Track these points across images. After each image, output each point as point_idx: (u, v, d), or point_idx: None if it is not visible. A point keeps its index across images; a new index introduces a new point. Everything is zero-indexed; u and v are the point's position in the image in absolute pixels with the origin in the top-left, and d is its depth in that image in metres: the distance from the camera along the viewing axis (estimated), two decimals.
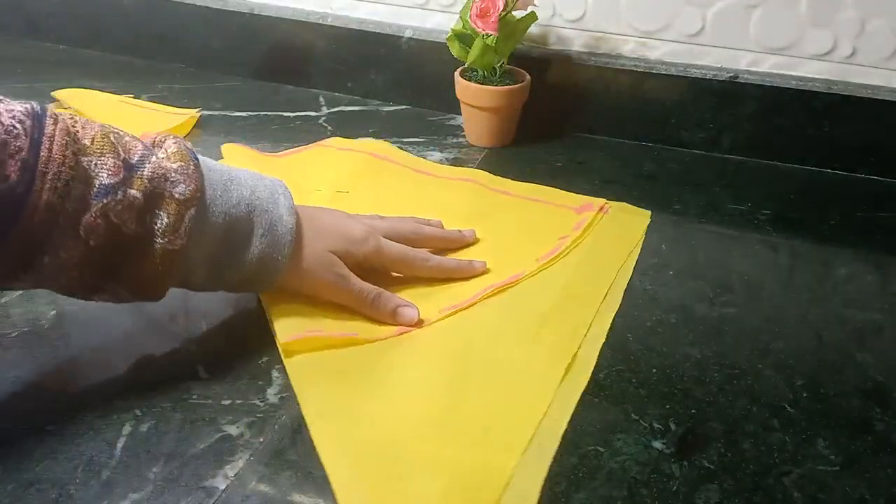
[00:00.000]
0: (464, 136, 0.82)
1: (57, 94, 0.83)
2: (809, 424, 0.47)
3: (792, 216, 0.70)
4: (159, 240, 0.43)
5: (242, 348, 0.51)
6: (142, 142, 0.45)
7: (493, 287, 0.57)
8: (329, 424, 0.44)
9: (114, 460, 0.42)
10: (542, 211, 0.68)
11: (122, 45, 1.01)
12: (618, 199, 0.71)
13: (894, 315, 0.57)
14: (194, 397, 0.46)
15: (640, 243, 0.64)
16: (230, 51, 0.96)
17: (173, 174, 0.44)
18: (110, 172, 0.41)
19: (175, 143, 0.46)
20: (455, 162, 0.77)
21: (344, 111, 0.88)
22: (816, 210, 0.71)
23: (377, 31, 0.88)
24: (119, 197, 0.41)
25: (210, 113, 0.85)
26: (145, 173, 0.43)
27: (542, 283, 0.58)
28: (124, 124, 0.76)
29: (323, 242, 0.51)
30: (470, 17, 0.74)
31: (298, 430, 0.44)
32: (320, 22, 0.90)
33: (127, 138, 0.45)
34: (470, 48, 0.76)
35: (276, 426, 0.45)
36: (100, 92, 0.86)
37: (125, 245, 0.42)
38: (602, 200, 0.69)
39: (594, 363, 0.50)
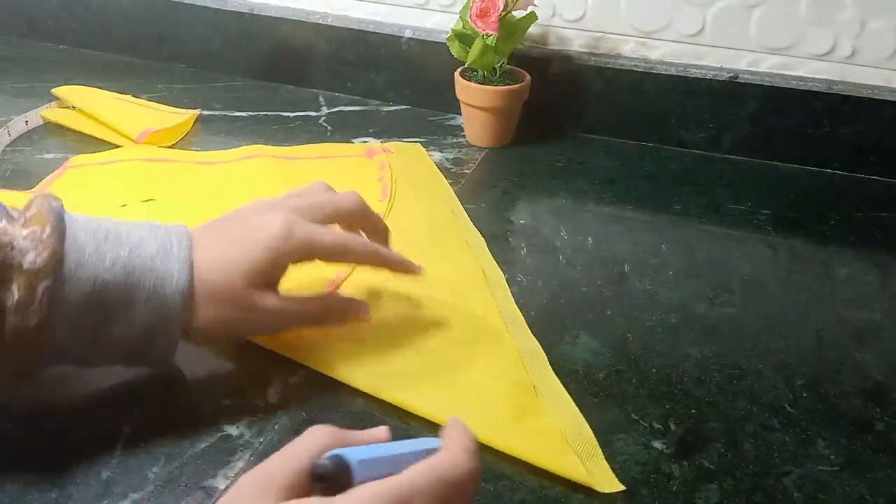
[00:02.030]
0: (464, 136, 0.82)
1: (57, 91, 0.83)
2: (809, 424, 0.47)
3: (792, 216, 0.70)
4: (11, 317, 0.38)
5: (243, 348, 0.50)
6: (2, 204, 0.40)
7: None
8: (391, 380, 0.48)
9: (114, 460, 0.42)
10: (342, 164, 0.74)
11: (122, 45, 1.01)
12: (618, 200, 0.71)
13: (894, 315, 0.57)
14: (194, 397, 0.46)
15: (434, 165, 0.75)
16: (230, 51, 0.96)
17: (21, 241, 0.38)
18: None
19: (38, 204, 0.40)
20: (455, 162, 0.77)
21: (344, 111, 0.88)
22: (816, 210, 0.71)
23: (377, 31, 0.88)
24: None
25: (210, 113, 0.85)
26: None
27: (401, 218, 0.65)
28: (124, 121, 0.77)
29: (233, 273, 0.43)
30: (470, 17, 0.74)
31: (298, 430, 0.44)
32: (320, 22, 0.90)
33: None
34: (470, 48, 0.76)
35: (276, 426, 0.45)
36: (99, 89, 0.86)
37: None
38: (379, 143, 0.78)
39: (496, 267, 0.59)
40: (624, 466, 0.43)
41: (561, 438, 0.44)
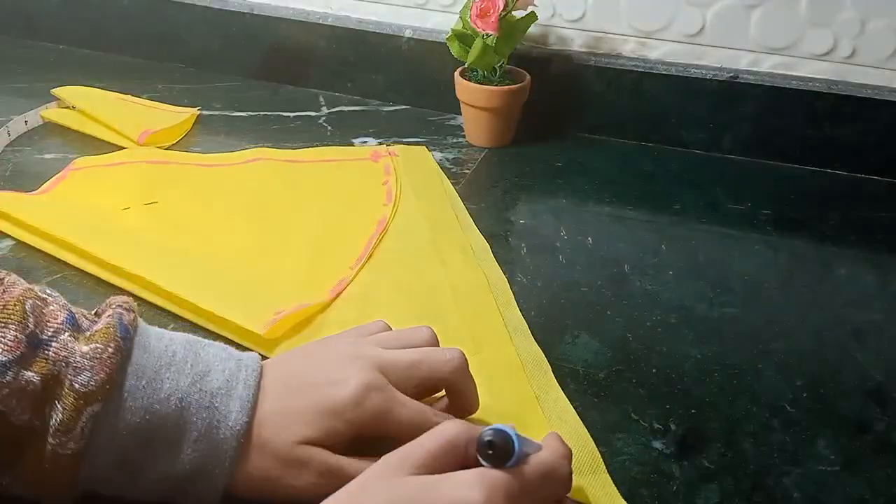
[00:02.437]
0: (464, 136, 0.82)
1: (57, 91, 0.83)
2: (809, 424, 0.47)
3: (792, 216, 0.70)
4: (51, 440, 0.34)
5: (243, 349, 0.50)
6: (72, 312, 0.37)
7: (374, 236, 0.62)
8: None
9: None
10: (346, 168, 0.74)
11: (122, 45, 1.01)
12: (618, 200, 0.71)
13: (894, 315, 0.57)
14: None
15: (439, 168, 0.75)
16: (230, 51, 0.96)
17: (79, 358, 0.35)
18: (7, 347, 0.34)
19: (109, 315, 0.37)
20: (455, 162, 0.77)
21: (344, 111, 0.88)
22: (816, 210, 0.71)
23: (377, 31, 0.88)
24: (8, 379, 0.33)
25: (210, 113, 0.85)
26: (50, 353, 0.35)
27: (405, 222, 0.65)
28: (124, 121, 0.77)
29: (291, 430, 0.38)
30: (470, 17, 0.74)
31: None
32: (320, 22, 0.90)
33: (53, 307, 0.37)
34: (470, 48, 0.76)
35: None
36: (99, 89, 0.86)
37: (16, 438, 0.34)
38: (384, 146, 0.78)
39: (500, 272, 0.59)
40: (624, 466, 0.43)
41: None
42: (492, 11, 0.73)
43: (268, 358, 0.43)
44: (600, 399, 0.48)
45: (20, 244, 0.60)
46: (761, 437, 0.46)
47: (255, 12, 0.92)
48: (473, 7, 0.74)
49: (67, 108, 0.82)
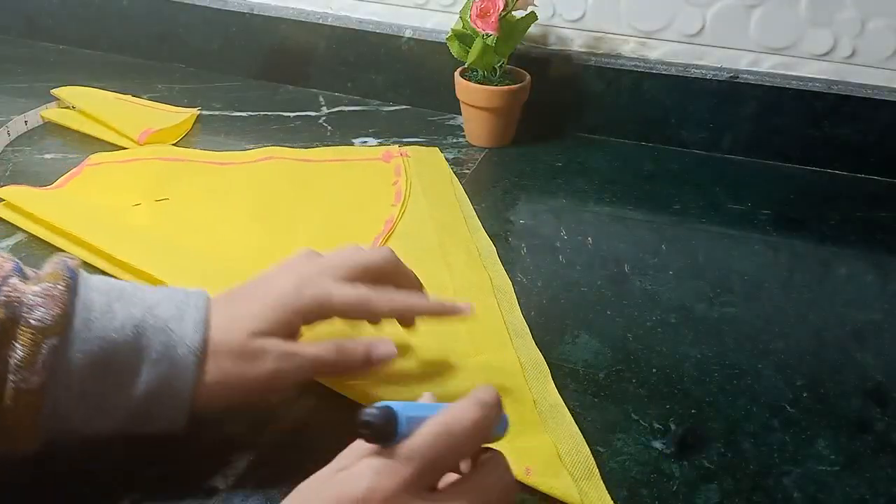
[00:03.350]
0: (464, 136, 0.82)
1: (56, 92, 0.83)
2: (809, 424, 0.47)
3: (792, 216, 0.70)
4: (12, 377, 0.35)
5: None
6: (18, 262, 0.39)
7: (380, 237, 0.63)
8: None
9: (114, 460, 0.42)
10: (357, 168, 0.74)
11: (122, 45, 1.01)
12: (618, 200, 0.71)
13: (894, 315, 0.57)
14: None
15: (451, 170, 0.75)
16: (230, 51, 0.96)
17: (31, 297, 0.36)
18: None
19: (54, 263, 0.39)
20: (455, 162, 0.77)
21: (344, 111, 0.88)
22: (816, 210, 0.71)
23: (377, 31, 0.88)
24: None
25: (210, 113, 0.85)
26: (1, 297, 0.36)
27: (412, 223, 0.66)
28: (124, 121, 0.77)
29: (240, 326, 0.41)
30: (470, 17, 0.74)
31: (298, 430, 0.44)
32: (320, 22, 0.90)
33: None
34: (470, 48, 0.76)
35: (277, 426, 0.45)
36: (99, 89, 0.86)
37: None
38: (396, 147, 0.78)
39: (505, 275, 0.59)
40: (624, 466, 0.43)
41: (555, 457, 0.43)
42: (492, 11, 0.73)
43: None
44: (600, 399, 0.48)
45: (23, 241, 0.60)
46: (761, 437, 0.46)
47: (255, 12, 0.92)
48: (473, 7, 0.74)
49: (67, 108, 0.82)
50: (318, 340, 0.43)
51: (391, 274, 0.46)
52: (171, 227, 0.63)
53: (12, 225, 0.62)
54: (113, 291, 0.40)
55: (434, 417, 0.33)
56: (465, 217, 0.67)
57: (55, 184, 0.68)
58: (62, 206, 0.64)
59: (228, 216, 0.66)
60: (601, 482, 0.42)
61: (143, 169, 0.71)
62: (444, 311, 0.46)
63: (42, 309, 0.36)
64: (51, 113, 0.80)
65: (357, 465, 0.32)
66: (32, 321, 0.36)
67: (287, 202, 0.68)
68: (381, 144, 0.79)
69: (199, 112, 0.84)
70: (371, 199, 0.68)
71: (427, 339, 0.51)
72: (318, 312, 0.43)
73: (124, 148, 0.75)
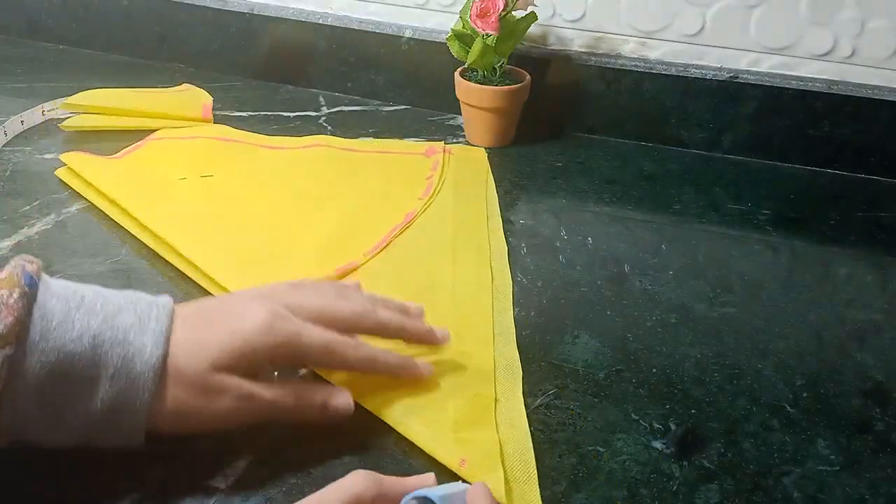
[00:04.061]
0: (464, 136, 0.82)
1: (68, 103, 0.80)
2: (809, 424, 0.47)
3: (792, 216, 0.70)
4: None
5: None
6: None
7: (397, 228, 0.64)
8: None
9: (114, 460, 0.42)
10: (397, 160, 0.76)
11: (122, 45, 1.01)
12: (618, 200, 0.71)
13: (894, 315, 0.57)
14: None
15: (489, 170, 0.75)
16: (230, 51, 0.96)
17: None
18: None
19: (12, 266, 0.38)
20: None
21: (344, 111, 0.88)
22: (816, 210, 0.71)
23: (377, 31, 0.88)
24: None
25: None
26: None
27: (434, 217, 0.67)
28: (172, 106, 0.81)
29: (203, 356, 0.39)
30: (470, 17, 0.74)
31: (298, 429, 0.44)
32: (320, 22, 0.90)
33: None
34: (470, 48, 0.76)
35: (277, 426, 0.44)
36: (103, 89, 0.85)
37: None
38: (441, 143, 0.79)
39: (508, 276, 0.59)
40: (624, 466, 0.43)
41: (496, 455, 0.42)
42: (492, 11, 0.73)
43: None
44: (600, 399, 0.48)
45: (82, 209, 0.65)
46: (761, 437, 0.46)
47: (255, 12, 0.92)
48: (473, 7, 0.74)
49: (81, 113, 0.80)
50: (276, 384, 0.42)
51: (364, 331, 0.45)
52: (206, 200, 0.67)
53: (74, 192, 0.68)
54: (73, 299, 0.38)
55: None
56: (487, 216, 0.67)
57: (117, 154, 0.73)
58: (115, 177, 0.68)
59: (264, 195, 0.69)
60: (537, 488, 0.41)
61: (198, 146, 0.76)
62: (406, 372, 0.46)
63: None
64: (73, 121, 0.79)
65: None
66: None
67: (322, 187, 0.70)
68: (440, 141, 0.80)
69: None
70: (401, 191, 0.70)
71: None
72: (286, 354, 0.42)
73: (154, 130, 0.79)
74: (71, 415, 0.37)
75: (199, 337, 0.40)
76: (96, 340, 0.37)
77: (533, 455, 0.43)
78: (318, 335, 0.42)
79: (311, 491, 0.40)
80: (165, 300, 0.41)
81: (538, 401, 0.47)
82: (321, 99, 0.91)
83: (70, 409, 0.37)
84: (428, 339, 0.48)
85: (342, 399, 0.44)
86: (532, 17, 0.76)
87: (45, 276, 0.39)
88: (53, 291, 0.38)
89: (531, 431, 0.45)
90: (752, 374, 0.51)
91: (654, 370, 0.50)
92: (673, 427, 0.46)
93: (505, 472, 0.41)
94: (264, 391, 0.41)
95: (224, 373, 0.40)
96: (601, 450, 0.44)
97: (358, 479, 0.35)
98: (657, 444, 0.45)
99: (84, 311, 0.38)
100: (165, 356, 0.39)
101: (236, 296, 0.44)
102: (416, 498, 0.33)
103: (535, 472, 0.42)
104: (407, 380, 0.46)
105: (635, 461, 0.43)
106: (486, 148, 0.80)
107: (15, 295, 0.36)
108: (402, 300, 0.55)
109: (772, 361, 0.52)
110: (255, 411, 0.41)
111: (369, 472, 0.36)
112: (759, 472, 0.43)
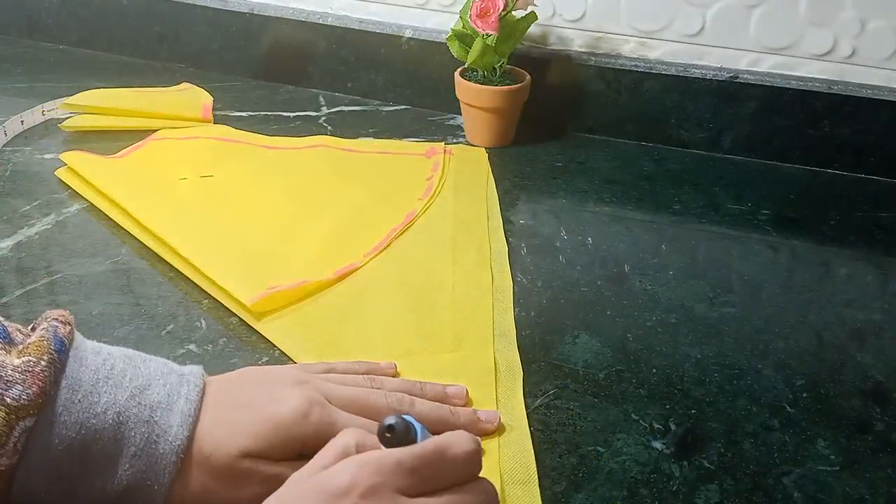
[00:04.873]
0: (464, 136, 0.82)
1: (68, 103, 0.80)
2: (809, 424, 0.47)
3: (792, 216, 0.70)
4: None
5: (244, 348, 0.51)
6: (4, 325, 0.36)
7: (397, 229, 0.64)
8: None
9: None
10: (398, 161, 0.76)
11: (122, 45, 1.01)
12: (618, 200, 0.71)
13: (894, 315, 0.57)
14: None
15: (489, 171, 0.75)
16: (230, 51, 0.96)
17: (10, 371, 0.34)
18: None
19: (43, 329, 0.36)
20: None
21: (344, 111, 0.88)
22: (816, 210, 0.71)
23: (377, 31, 0.88)
24: None
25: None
26: None
27: (434, 217, 0.67)
28: (171, 106, 0.81)
29: (233, 443, 0.37)
30: (470, 17, 0.74)
31: None
32: (320, 22, 0.90)
33: None
34: (470, 48, 0.76)
35: None
36: (103, 89, 0.85)
37: None
38: (442, 143, 0.79)
39: (509, 276, 0.59)
40: (624, 466, 0.43)
41: (493, 458, 0.42)
42: (492, 11, 0.73)
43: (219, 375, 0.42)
44: (600, 399, 0.48)
45: (83, 209, 0.63)
46: (761, 437, 0.46)
47: (255, 12, 0.92)
48: (473, 7, 0.74)
49: (81, 114, 0.80)
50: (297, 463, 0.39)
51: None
52: (209, 201, 0.67)
53: (74, 192, 0.67)
54: (102, 369, 0.37)
55: (435, 437, 0.34)
56: (488, 216, 0.67)
57: (118, 154, 0.73)
58: (116, 177, 0.68)
59: (265, 196, 0.69)
60: (537, 490, 0.41)
61: (199, 146, 0.76)
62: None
63: (19, 387, 0.33)
64: (73, 121, 0.79)
65: (343, 461, 0.32)
66: (8, 399, 0.33)
67: (322, 188, 0.70)
68: (441, 141, 0.80)
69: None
70: (401, 192, 0.70)
71: (409, 331, 0.52)
72: (315, 444, 0.38)
73: (154, 130, 0.79)
74: (86, 491, 0.35)
75: (230, 419, 0.38)
76: (121, 417, 0.36)
77: (533, 456, 0.43)
78: (353, 424, 0.40)
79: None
80: (197, 374, 0.39)
81: (538, 401, 0.47)
82: (321, 99, 0.91)
83: (86, 485, 0.35)
84: (472, 429, 0.44)
85: None
86: (532, 17, 0.76)
87: (77, 338, 0.37)
88: (83, 359, 0.36)
89: (531, 432, 0.45)
90: (752, 374, 0.51)
91: (654, 370, 0.50)
92: (673, 427, 0.46)
93: (504, 473, 0.41)
94: (290, 471, 0.37)
95: (253, 459, 0.38)
96: (601, 450, 0.44)
97: (346, 433, 0.35)
98: (657, 444, 0.45)
99: (112, 384, 0.36)
100: (191, 439, 0.37)
101: (273, 374, 0.42)
102: (397, 416, 0.33)
103: (536, 473, 0.42)
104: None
105: (635, 461, 0.43)
106: (486, 148, 0.80)
107: (43, 362, 0.34)
108: (403, 301, 0.55)
109: (772, 361, 0.52)
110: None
111: (358, 429, 0.36)
112: (759, 472, 0.43)
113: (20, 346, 0.35)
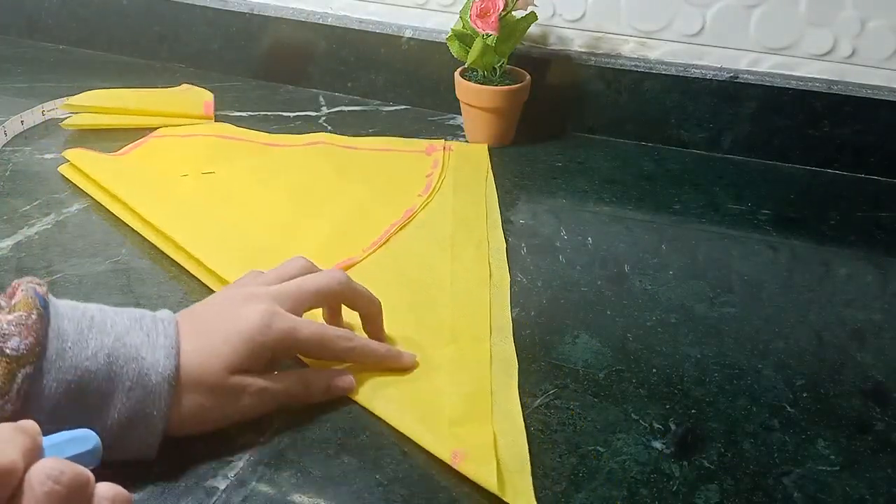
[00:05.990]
0: (464, 136, 0.82)
1: (69, 103, 0.80)
2: (809, 424, 0.47)
3: (792, 216, 0.70)
4: None
5: None
6: None
7: (396, 224, 0.65)
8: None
9: (114, 461, 0.42)
10: (398, 158, 0.77)
11: (122, 45, 1.01)
12: (618, 200, 0.71)
13: (894, 315, 0.57)
14: None
15: (489, 167, 0.76)
16: (230, 51, 0.96)
17: (5, 326, 0.37)
18: None
19: (25, 290, 0.39)
20: None
21: (344, 111, 0.88)
22: (816, 210, 0.71)
23: (377, 31, 0.88)
24: None
25: None
26: None
27: (433, 214, 0.67)
28: (172, 104, 0.82)
29: (217, 362, 0.42)
30: (470, 17, 0.74)
31: (298, 429, 0.44)
32: (320, 22, 0.90)
33: None
34: (470, 48, 0.76)
35: (276, 426, 0.45)
36: (105, 89, 0.85)
37: None
38: (442, 140, 0.79)
39: (506, 272, 0.60)
40: (624, 466, 0.43)
41: (490, 446, 0.42)
42: (492, 11, 0.73)
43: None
44: (600, 399, 0.48)
45: (86, 207, 0.63)
46: (761, 437, 0.46)
47: (255, 12, 0.92)
48: (473, 7, 0.74)
49: (81, 112, 0.80)
50: (284, 374, 0.46)
51: (346, 295, 0.49)
52: (210, 198, 0.67)
53: (74, 192, 0.68)
54: (84, 320, 0.40)
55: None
56: (487, 213, 0.67)
57: (120, 151, 0.74)
58: (118, 174, 0.69)
59: (265, 192, 0.69)
60: (530, 479, 0.41)
61: (200, 143, 0.77)
62: (387, 364, 0.49)
63: (16, 338, 0.37)
64: (74, 120, 0.79)
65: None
66: (7, 350, 0.36)
67: (322, 185, 0.71)
68: (441, 139, 0.80)
69: (213, 99, 0.86)
70: (400, 189, 0.70)
71: (407, 324, 0.52)
72: (284, 347, 0.45)
73: (155, 128, 0.79)
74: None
75: (207, 343, 0.43)
76: (111, 357, 0.39)
77: (526, 446, 0.43)
78: (311, 330, 0.46)
79: (311, 490, 0.41)
80: (167, 315, 0.43)
81: (538, 401, 0.47)
82: (321, 99, 0.91)
83: (87, 423, 0.37)
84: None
85: (345, 381, 0.47)
86: (532, 17, 0.76)
87: (51, 297, 0.40)
88: (62, 312, 0.40)
89: (531, 432, 0.45)
90: (752, 374, 0.51)
91: (654, 370, 0.50)
92: (673, 427, 0.46)
93: (498, 463, 0.41)
94: (275, 383, 0.45)
95: (239, 373, 0.43)
96: (601, 450, 0.44)
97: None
98: (657, 444, 0.45)
99: (96, 331, 0.40)
100: (178, 367, 0.41)
101: (226, 297, 0.47)
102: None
103: (528, 462, 0.43)
104: (396, 371, 0.49)
105: (635, 461, 0.43)
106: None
107: (34, 316, 0.38)
108: (401, 296, 0.56)
109: (772, 361, 0.52)
110: (270, 401, 0.44)
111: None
112: (759, 472, 0.43)
113: (6, 307, 0.38)
